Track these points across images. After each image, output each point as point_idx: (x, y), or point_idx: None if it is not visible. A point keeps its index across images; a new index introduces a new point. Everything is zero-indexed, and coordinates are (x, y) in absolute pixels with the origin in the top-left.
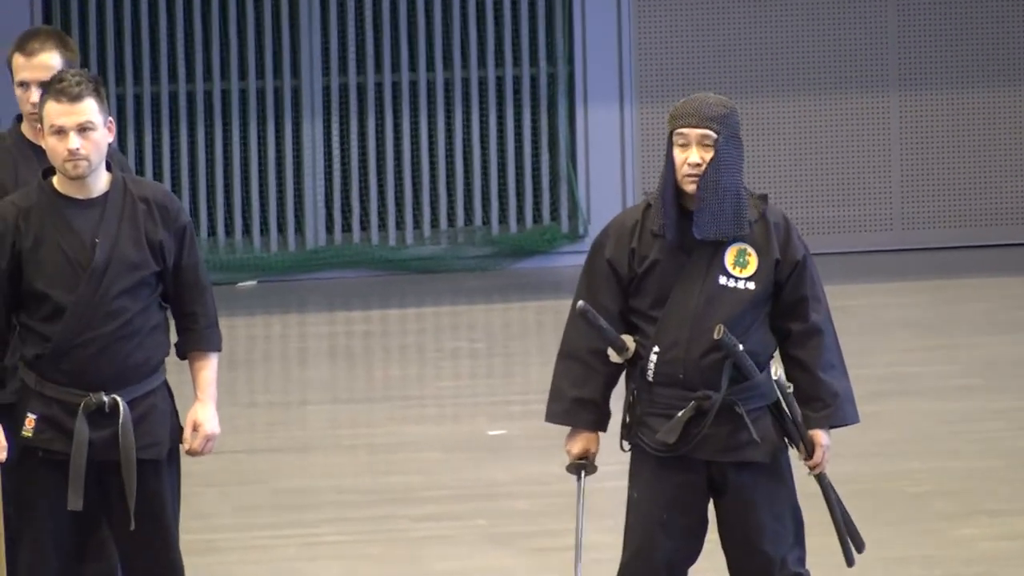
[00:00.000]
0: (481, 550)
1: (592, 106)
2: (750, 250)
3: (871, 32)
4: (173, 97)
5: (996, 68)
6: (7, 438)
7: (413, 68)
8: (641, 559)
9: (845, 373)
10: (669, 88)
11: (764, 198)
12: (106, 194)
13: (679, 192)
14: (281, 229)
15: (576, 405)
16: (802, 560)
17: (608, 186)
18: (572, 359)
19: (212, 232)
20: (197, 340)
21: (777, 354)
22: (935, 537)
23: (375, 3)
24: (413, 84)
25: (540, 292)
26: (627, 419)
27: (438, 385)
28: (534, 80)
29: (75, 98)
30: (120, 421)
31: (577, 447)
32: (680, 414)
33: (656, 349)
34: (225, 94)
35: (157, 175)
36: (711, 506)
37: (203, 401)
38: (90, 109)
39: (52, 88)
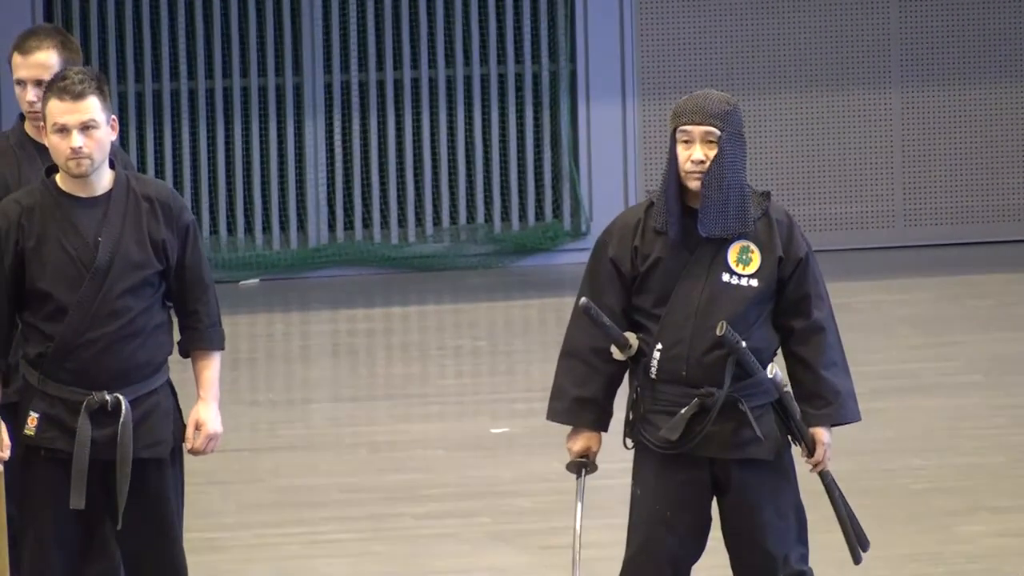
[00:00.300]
0: (484, 548)
1: (594, 103)
2: (753, 247)
3: (873, 28)
4: (175, 95)
5: (1000, 64)
6: (9, 437)
7: (415, 65)
8: (644, 556)
9: (847, 371)
10: (671, 85)
11: (767, 195)
12: (109, 192)
13: (682, 189)
14: (283, 227)
15: (577, 404)
16: (805, 558)
17: (610, 183)
18: (574, 357)
19: (214, 230)
20: (200, 339)
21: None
22: (938, 534)
23: (377, 0)
24: (415, 81)
25: (542, 290)
26: (630, 416)
27: (441, 383)
28: (536, 77)
29: (78, 96)
30: (121, 419)
31: (577, 446)
32: (683, 411)
33: (659, 346)
34: (227, 91)
35: (159, 173)
36: (715, 503)
37: (206, 400)
38: (93, 107)
39: (55, 86)
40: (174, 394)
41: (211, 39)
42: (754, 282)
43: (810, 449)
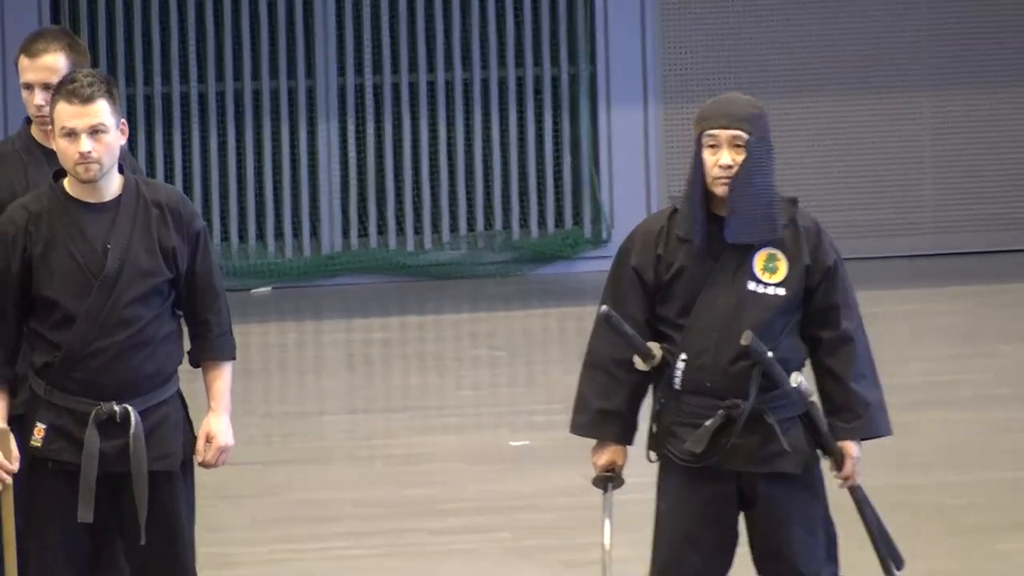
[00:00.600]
0: (504, 565)
1: (615, 107)
2: (780, 255)
3: (902, 31)
4: (185, 98)
5: None
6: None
7: (431, 68)
8: (669, 573)
9: (877, 383)
10: (694, 89)
11: (794, 201)
12: (119, 198)
13: (707, 195)
14: (296, 234)
15: (601, 417)
16: None
17: (632, 189)
18: (597, 369)
19: (225, 237)
20: (210, 348)
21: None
22: (974, 552)
23: (392, 2)
24: (431, 84)
25: (562, 299)
26: (654, 429)
27: (458, 394)
28: (555, 80)
29: (87, 99)
30: (131, 432)
31: (603, 460)
32: (708, 423)
33: (683, 357)
34: (238, 95)
35: (169, 178)
36: (741, 519)
37: (216, 411)
38: (102, 111)
39: (63, 89)
40: (184, 405)
41: (222, 41)
42: (781, 291)
43: (839, 463)
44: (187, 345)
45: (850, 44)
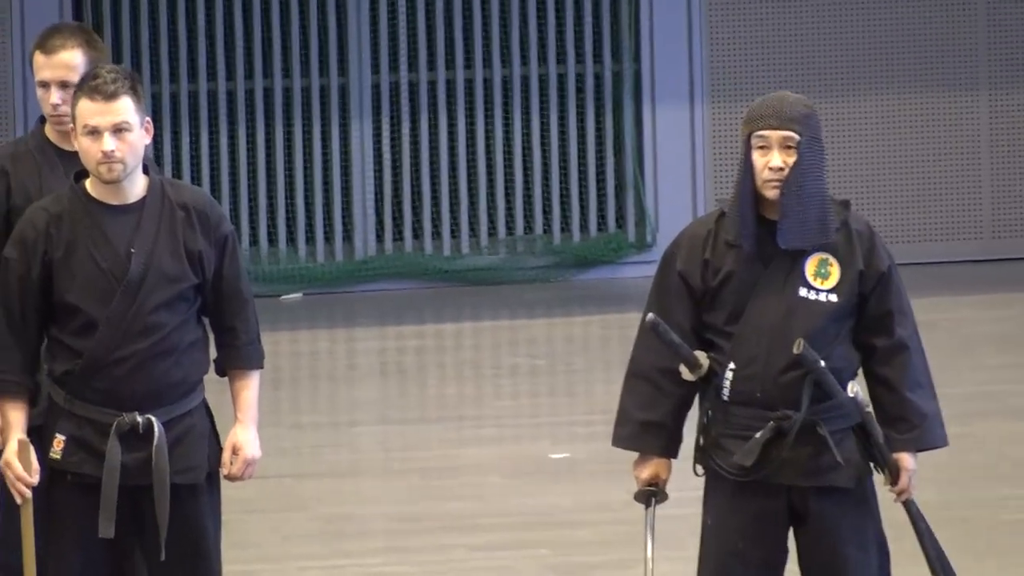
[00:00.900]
0: None
1: (660, 106)
2: (832, 260)
3: (960, 27)
4: (212, 96)
5: None
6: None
7: (468, 65)
8: None
9: (933, 393)
10: (743, 87)
11: (846, 204)
12: (143, 199)
13: (757, 198)
14: (328, 238)
15: (644, 429)
16: None
17: (678, 192)
18: (640, 379)
19: (254, 241)
20: (237, 357)
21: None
22: None
23: None
24: (468, 82)
25: (605, 305)
26: (701, 441)
27: (496, 404)
28: (598, 78)
29: (110, 96)
30: (154, 443)
31: (645, 473)
32: (758, 435)
33: (732, 366)
34: (268, 93)
35: (195, 180)
36: (791, 535)
37: (243, 422)
38: (126, 108)
39: (86, 86)
40: (210, 416)
41: (251, 37)
42: (833, 297)
43: (894, 476)
44: (213, 353)
45: (904, 41)
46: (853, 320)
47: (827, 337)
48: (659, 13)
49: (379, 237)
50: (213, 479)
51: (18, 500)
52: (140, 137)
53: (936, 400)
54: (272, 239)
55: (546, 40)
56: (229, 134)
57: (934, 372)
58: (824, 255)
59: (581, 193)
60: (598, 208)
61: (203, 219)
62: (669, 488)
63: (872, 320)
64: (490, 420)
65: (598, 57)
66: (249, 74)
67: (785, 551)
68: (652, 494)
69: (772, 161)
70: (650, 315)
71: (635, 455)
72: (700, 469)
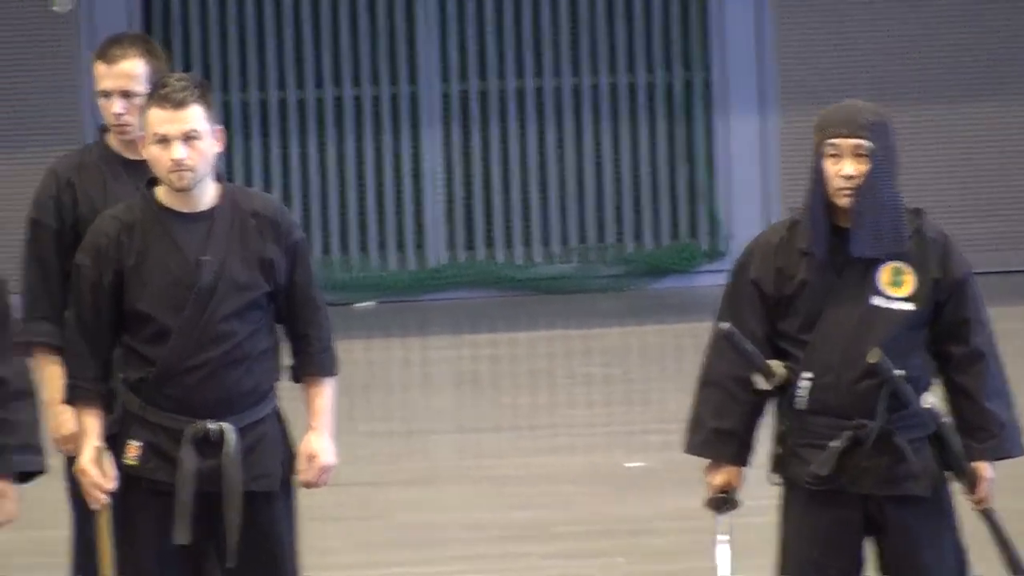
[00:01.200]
0: None
1: (732, 114)
2: (906, 268)
3: None
4: (282, 104)
5: None
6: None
7: (539, 73)
8: None
9: (1011, 401)
10: (814, 95)
11: (919, 212)
12: (214, 208)
13: (829, 207)
14: (400, 246)
15: (716, 436)
16: None
17: (750, 200)
18: (713, 386)
19: (326, 249)
20: (311, 364)
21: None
22: None
23: (497, 4)
24: (539, 91)
25: (678, 314)
26: (777, 450)
27: (570, 413)
28: (669, 87)
29: (179, 104)
30: (226, 451)
31: (717, 480)
32: (834, 444)
33: (807, 375)
34: (338, 101)
35: (267, 188)
36: (867, 544)
37: (317, 430)
38: (195, 116)
39: (156, 94)
40: (283, 423)
41: (320, 45)
42: (908, 305)
43: (972, 485)
44: (286, 361)
45: (974, 50)
46: (927, 329)
47: (902, 346)
48: (730, 22)
49: (451, 245)
50: (288, 486)
51: (95, 507)
52: (210, 145)
53: (1014, 409)
54: (344, 247)
55: (616, 48)
56: (300, 142)
57: (1012, 382)
58: (898, 264)
59: (653, 202)
60: (670, 217)
61: (274, 226)
62: (744, 496)
63: (948, 328)
64: (564, 429)
65: (668, 66)
66: (319, 82)
67: (862, 561)
68: (723, 501)
69: (843, 169)
70: (725, 324)
71: (707, 462)
72: (776, 478)
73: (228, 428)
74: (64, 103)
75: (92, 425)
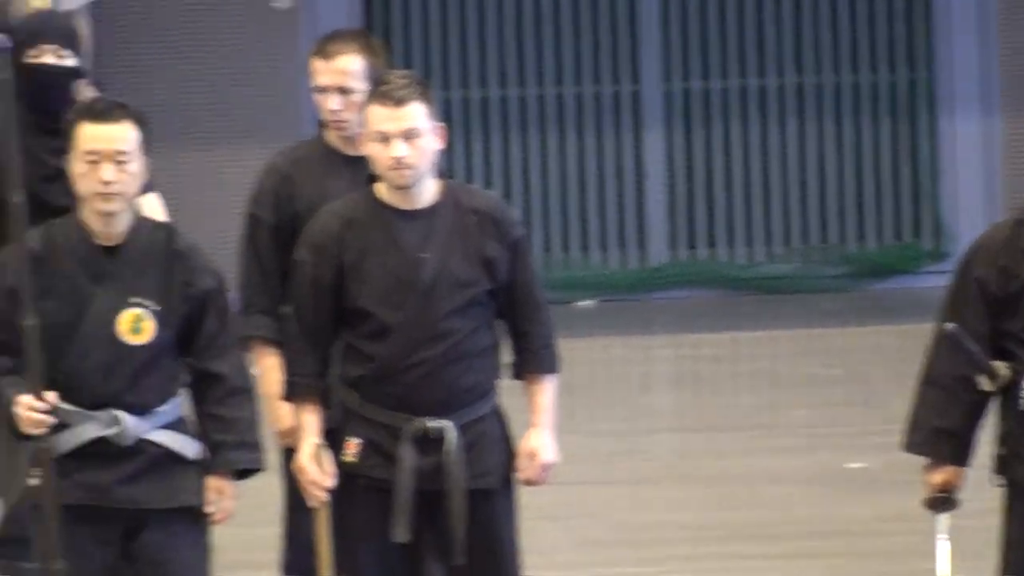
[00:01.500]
0: None
1: (956, 114)
2: None
3: None
4: (503, 102)
5: None
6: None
7: (761, 72)
8: None
9: None
10: None
11: None
12: (434, 205)
13: None
14: (621, 245)
15: (935, 435)
16: None
17: (974, 201)
18: (934, 385)
19: (547, 247)
20: (532, 361)
21: None
22: None
23: (720, 3)
24: (762, 89)
25: (901, 315)
26: (999, 451)
27: (791, 414)
28: (892, 86)
29: (400, 102)
30: (446, 448)
31: (937, 479)
32: None
33: None
34: (560, 99)
35: (488, 185)
36: None
37: (539, 427)
38: (416, 114)
39: (376, 91)
40: (503, 421)
41: (541, 43)
42: None
43: None
44: (507, 359)
45: None
46: None
47: None
48: (955, 21)
49: (673, 244)
50: (508, 484)
51: (313, 503)
52: (431, 142)
53: None
54: (565, 245)
55: (839, 47)
56: (521, 140)
57: None
58: None
59: (876, 202)
60: (893, 217)
61: (495, 223)
62: (967, 497)
63: None
64: (785, 429)
65: (892, 66)
66: (540, 80)
67: None
68: (943, 500)
69: None
70: (950, 325)
71: (926, 461)
72: (998, 479)
73: (448, 426)
74: (284, 100)
75: (311, 422)
